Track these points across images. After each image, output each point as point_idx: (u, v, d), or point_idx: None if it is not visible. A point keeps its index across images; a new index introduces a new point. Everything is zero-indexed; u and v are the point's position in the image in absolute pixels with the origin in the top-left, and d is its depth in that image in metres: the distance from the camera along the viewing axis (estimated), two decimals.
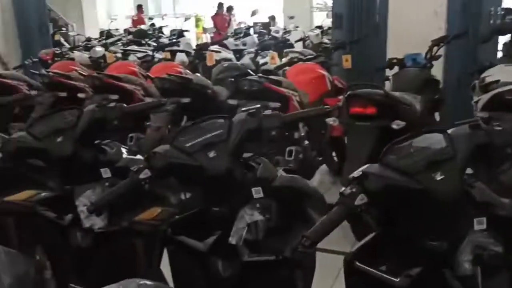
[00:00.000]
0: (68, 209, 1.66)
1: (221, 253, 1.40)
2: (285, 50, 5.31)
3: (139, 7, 12.91)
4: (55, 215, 1.68)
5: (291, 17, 7.54)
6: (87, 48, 7.27)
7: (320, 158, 3.51)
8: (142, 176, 1.36)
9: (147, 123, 3.56)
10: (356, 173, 1.18)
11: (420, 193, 1.13)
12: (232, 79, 3.71)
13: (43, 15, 7.05)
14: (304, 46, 7.21)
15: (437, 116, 3.68)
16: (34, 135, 1.62)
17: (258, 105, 1.50)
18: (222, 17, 11.41)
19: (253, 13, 7.97)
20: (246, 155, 1.49)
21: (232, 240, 1.36)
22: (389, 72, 3.75)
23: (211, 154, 1.37)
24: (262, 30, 7.97)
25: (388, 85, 3.58)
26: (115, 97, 3.48)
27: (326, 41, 7.17)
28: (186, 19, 7.80)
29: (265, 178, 1.43)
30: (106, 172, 1.66)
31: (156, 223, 1.61)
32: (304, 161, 3.06)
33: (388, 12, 5.00)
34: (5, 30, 6.90)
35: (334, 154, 3.97)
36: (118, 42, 6.09)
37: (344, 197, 1.14)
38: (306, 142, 3.22)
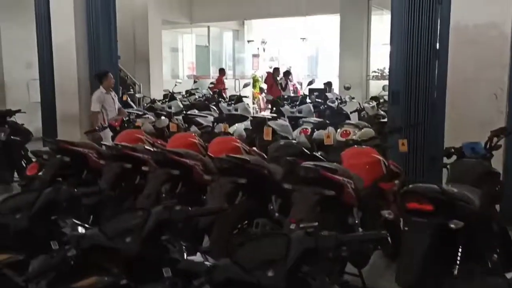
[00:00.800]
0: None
1: None
2: (340, 124, 5.39)
3: (221, 70, 13.53)
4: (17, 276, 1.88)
5: (348, 88, 7.67)
6: (152, 109, 7.72)
7: (373, 246, 3.46)
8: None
9: (204, 197, 3.71)
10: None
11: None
12: (288, 158, 3.82)
13: (116, 79, 7.58)
14: (360, 117, 7.29)
15: (497, 208, 3.58)
16: (105, 234, 1.77)
17: (316, 223, 1.56)
18: (272, 79, 11.88)
19: (310, 83, 8.22)
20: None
21: None
22: (446, 159, 3.72)
23: (270, 273, 1.44)
24: (318, 100, 8.16)
25: (445, 173, 3.55)
26: (176, 172, 3.68)
27: (382, 113, 7.23)
28: (245, 86, 8.15)
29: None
30: (167, 272, 1.77)
31: None
32: (358, 249, 3.04)
33: (447, 92, 5.02)
34: (79, 92, 7.48)
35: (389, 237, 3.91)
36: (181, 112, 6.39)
37: None
38: (360, 230, 3.21)
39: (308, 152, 4.06)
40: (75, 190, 2.11)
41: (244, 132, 4.53)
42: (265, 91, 12.69)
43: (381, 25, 10.16)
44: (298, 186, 3.11)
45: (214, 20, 14.72)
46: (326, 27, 15.69)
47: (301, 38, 16.71)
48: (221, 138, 4.29)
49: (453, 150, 3.57)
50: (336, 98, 7.76)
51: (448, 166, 3.50)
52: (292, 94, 11.29)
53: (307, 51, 18.64)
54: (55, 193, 2.06)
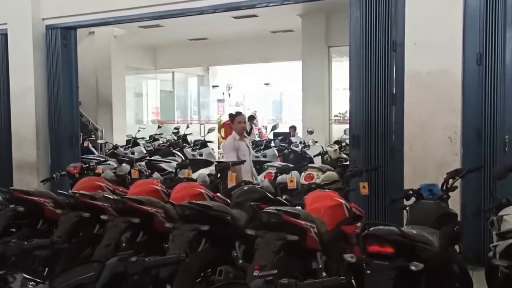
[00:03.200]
0: None
1: None
2: (304, 168, 5.44)
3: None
4: None
5: (311, 132, 7.82)
6: (114, 155, 7.59)
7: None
8: None
9: (166, 245, 3.61)
10: None
11: None
12: (252, 203, 3.80)
13: (75, 126, 7.47)
14: (323, 161, 7.41)
15: (457, 248, 3.64)
16: None
17: (275, 271, 1.54)
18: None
19: (274, 128, 8.33)
20: None
21: None
22: (406, 201, 3.80)
23: None
24: (282, 144, 8.27)
25: (405, 215, 3.61)
26: (136, 220, 3.59)
27: (344, 156, 7.38)
28: (210, 131, 8.18)
29: None
30: None
31: None
32: None
33: (404, 135, 5.19)
34: (38, 139, 7.30)
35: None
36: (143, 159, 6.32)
37: None
38: (324, 274, 3.19)
39: (272, 197, 4.05)
40: (25, 243, 2.01)
41: (208, 177, 4.49)
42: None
43: (341, 71, 10.54)
44: (261, 232, 3.09)
45: (178, 66, 14.89)
46: (289, 73, 16.14)
47: (265, 84, 17.09)
48: (183, 184, 4.23)
49: (411, 192, 3.65)
50: (300, 142, 7.89)
51: (407, 208, 3.57)
52: (257, 139, 11.38)
53: (271, 96, 19.05)
54: (3, 247, 1.96)
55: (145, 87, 16.33)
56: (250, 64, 15.29)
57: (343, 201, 3.70)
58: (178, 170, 4.84)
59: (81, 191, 3.99)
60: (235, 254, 3.42)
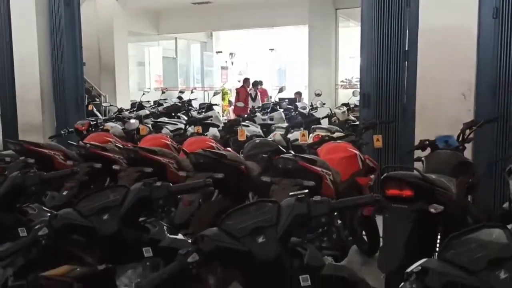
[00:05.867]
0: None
1: None
2: (312, 126, 5.38)
3: (246, 80, 12.71)
4: None
5: (318, 94, 7.73)
6: (119, 118, 7.52)
7: (351, 238, 3.43)
8: (190, 259, 1.34)
9: (179, 196, 3.59)
10: (415, 268, 1.16)
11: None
12: (265, 155, 3.76)
13: (80, 87, 7.37)
14: (330, 123, 7.33)
15: (469, 199, 3.62)
16: (80, 212, 1.64)
17: (307, 190, 1.49)
18: (245, 90, 11.80)
19: (281, 90, 8.23)
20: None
21: None
22: (419, 153, 3.75)
23: (260, 239, 1.35)
24: (289, 106, 8.18)
25: (420, 166, 3.57)
26: (149, 169, 3.55)
27: (352, 118, 7.31)
28: (215, 93, 8.08)
29: (312, 266, 1.40)
30: (148, 252, 1.65)
31: (65, 279, 1.68)
32: (338, 241, 2.98)
33: (416, 93, 5.11)
34: (42, 100, 7.22)
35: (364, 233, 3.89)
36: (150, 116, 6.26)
37: None
38: (339, 221, 3.16)
39: (284, 150, 4.01)
40: (44, 173, 1.97)
41: (218, 133, 4.44)
42: (234, 104, 12.56)
43: (348, 38, 10.38)
44: (277, 179, 3.05)
45: (181, 31, 14.64)
46: (293, 39, 15.90)
47: (269, 49, 16.82)
48: (194, 138, 4.19)
49: (427, 142, 3.61)
50: (308, 105, 7.80)
51: (423, 159, 3.52)
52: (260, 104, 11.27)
53: (275, 63, 18.76)
54: (22, 177, 1.92)
55: (147, 56, 16.13)
56: (254, 29, 15.02)
57: (357, 152, 3.66)
58: (188, 126, 4.78)
59: (92, 142, 3.94)
60: None
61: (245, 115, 7.98)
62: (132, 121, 4.95)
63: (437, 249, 2.77)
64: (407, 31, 5.25)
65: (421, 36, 5.04)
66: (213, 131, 4.40)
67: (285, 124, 6.58)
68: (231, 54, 17.92)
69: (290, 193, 1.48)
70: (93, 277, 1.74)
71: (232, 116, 14.28)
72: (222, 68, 16.47)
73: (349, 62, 10.56)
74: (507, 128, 4.75)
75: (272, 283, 1.38)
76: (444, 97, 4.96)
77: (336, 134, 6.16)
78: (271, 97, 12.46)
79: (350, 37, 10.04)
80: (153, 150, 3.59)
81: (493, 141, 4.77)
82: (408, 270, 1.17)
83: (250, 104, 10.88)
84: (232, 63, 18.15)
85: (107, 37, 11.98)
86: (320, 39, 10.21)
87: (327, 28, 10.24)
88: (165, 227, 1.76)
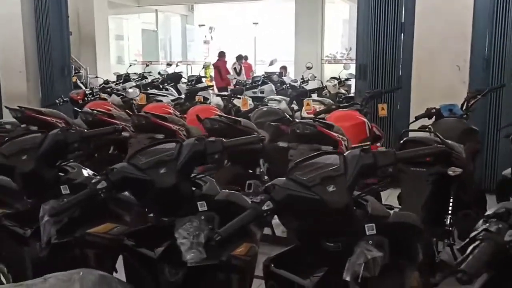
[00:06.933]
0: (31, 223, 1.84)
1: (169, 260, 1.62)
2: (305, 99, 5.42)
3: (221, 54, 12.55)
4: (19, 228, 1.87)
5: (310, 67, 7.73)
6: (105, 89, 7.34)
7: None
8: (99, 186, 1.55)
9: None
10: (497, 209, 1.22)
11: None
12: (272, 123, 3.78)
13: (67, 56, 7.15)
14: (320, 96, 7.38)
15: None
16: (137, 166, 1.63)
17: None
18: (224, 64, 11.68)
19: (271, 63, 8.18)
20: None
21: (346, 276, 1.36)
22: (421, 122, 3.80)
23: (330, 188, 1.38)
24: (281, 79, 8.15)
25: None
26: (161, 136, 3.51)
27: (343, 91, 7.37)
28: (205, 66, 7.97)
29: (376, 215, 1.45)
30: (202, 206, 1.69)
31: (108, 236, 1.84)
32: None
33: (413, 63, 5.18)
34: (27, 70, 6.98)
35: None
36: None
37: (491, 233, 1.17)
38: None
39: (291, 118, 4.03)
40: (85, 130, 1.93)
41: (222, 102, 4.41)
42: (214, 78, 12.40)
43: (333, 13, 10.38)
44: (294, 144, 3.07)
45: (163, 4, 14.29)
46: (277, 13, 15.73)
47: (253, 23, 16.58)
48: (199, 106, 4.16)
49: (434, 110, 3.68)
50: (299, 78, 7.81)
51: (430, 126, 3.60)
52: (245, 78, 11.21)
53: (259, 37, 18.48)
54: (64, 134, 1.88)
55: (126, 29, 15.71)
56: (237, 2, 14.79)
57: (365, 120, 3.71)
58: (188, 94, 4.73)
59: (98, 109, 3.86)
60: (261, 170, 3.42)
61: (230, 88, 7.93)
62: (131, 90, 4.85)
63: (449, 211, 2.88)
64: (404, 2, 5.29)
65: (418, 4, 5.08)
66: (216, 99, 4.38)
67: (278, 97, 6.57)
68: (210, 28, 17.62)
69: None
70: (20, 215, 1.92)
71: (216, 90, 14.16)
72: (205, 42, 16.22)
73: (334, 37, 10.59)
74: (499, 100, 4.90)
75: (337, 232, 1.41)
76: (439, 68, 5.04)
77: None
78: (254, 72, 12.39)
79: (335, 13, 10.07)
80: (164, 116, 3.55)
81: (485, 111, 4.93)
82: (489, 212, 1.22)
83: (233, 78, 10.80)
84: (211, 37, 17.86)
85: (86, 8, 11.59)
86: (306, 14, 10.18)
87: (314, 3, 10.20)
88: (83, 170, 1.91)
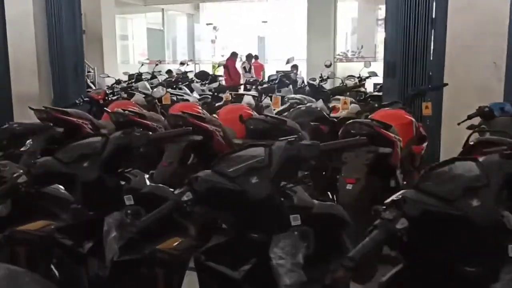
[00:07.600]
0: (87, 237, 1.68)
1: (255, 282, 1.41)
2: (341, 98, 5.23)
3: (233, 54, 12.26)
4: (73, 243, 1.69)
5: (329, 65, 7.53)
6: (126, 90, 7.09)
7: None
8: (184, 198, 1.35)
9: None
10: (395, 197, 1.21)
11: (458, 219, 1.16)
12: (312, 123, 3.59)
13: (80, 54, 6.94)
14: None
15: None
16: (60, 160, 1.59)
17: (297, 136, 1.59)
18: (234, 63, 11.49)
19: (288, 61, 7.97)
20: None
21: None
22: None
23: (254, 179, 1.36)
24: (298, 78, 7.95)
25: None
26: (199, 138, 3.31)
27: (363, 89, 7.16)
28: (220, 65, 7.78)
29: (302, 206, 1.44)
30: (129, 200, 1.64)
31: (176, 252, 1.63)
32: None
33: (445, 59, 4.99)
34: (39, 70, 6.76)
35: None
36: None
37: (385, 220, 1.15)
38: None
39: (329, 117, 3.83)
40: (150, 133, 1.73)
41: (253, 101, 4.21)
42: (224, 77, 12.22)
43: (345, 12, 10.21)
44: None
45: (169, 2, 14.07)
46: (286, 12, 15.52)
47: (262, 22, 16.35)
48: (232, 105, 3.95)
49: (487, 109, 3.48)
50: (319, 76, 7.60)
51: (483, 126, 3.40)
52: (255, 77, 11.02)
53: (267, 35, 18.23)
54: (129, 137, 1.68)
55: (130, 29, 15.48)
56: (245, 1, 14.59)
57: (413, 119, 3.51)
58: (215, 94, 4.52)
59: (130, 108, 3.65)
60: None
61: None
62: (158, 89, 4.63)
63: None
64: None
65: (451, 2, 4.89)
66: (247, 98, 4.17)
67: (299, 95, 6.37)
68: (214, 28, 17.41)
69: (280, 138, 1.46)
70: (74, 228, 1.71)
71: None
72: (212, 41, 16.01)
73: (344, 35, 10.41)
74: None
75: (263, 223, 1.39)
76: (474, 65, 4.84)
77: (352, 106, 6.04)
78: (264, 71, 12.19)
79: (344, 11, 9.89)
80: (201, 117, 3.34)
81: None
82: (388, 200, 1.21)
83: (242, 77, 10.63)
84: (215, 36, 17.64)
85: (93, 7, 11.36)
86: (319, 12, 10.00)
87: (327, 0, 10.03)
88: (145, 176, 1.75)
